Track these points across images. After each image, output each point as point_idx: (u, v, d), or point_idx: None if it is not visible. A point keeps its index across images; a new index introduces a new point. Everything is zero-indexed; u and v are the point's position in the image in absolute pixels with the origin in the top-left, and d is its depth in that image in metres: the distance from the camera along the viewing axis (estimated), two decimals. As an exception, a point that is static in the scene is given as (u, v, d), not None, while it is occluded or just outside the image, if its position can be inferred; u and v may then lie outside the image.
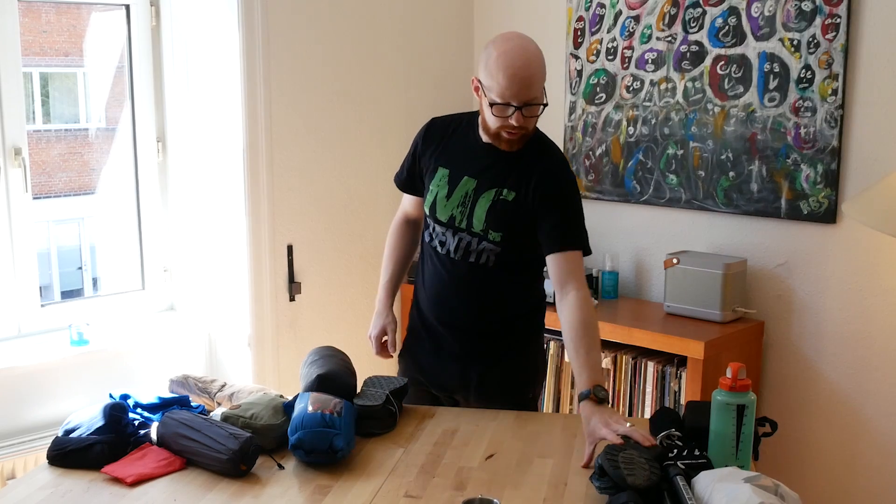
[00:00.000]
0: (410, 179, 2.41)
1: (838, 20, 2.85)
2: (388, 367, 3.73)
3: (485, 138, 2.24)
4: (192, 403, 2.18)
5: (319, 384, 2.08)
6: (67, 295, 3.63)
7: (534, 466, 1.94)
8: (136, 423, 2.06)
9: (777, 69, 3.00)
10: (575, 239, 2.19)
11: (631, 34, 3.34)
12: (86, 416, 2.01)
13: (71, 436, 1.97)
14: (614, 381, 3.13)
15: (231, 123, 3.18)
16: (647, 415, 3.02)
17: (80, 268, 3.88)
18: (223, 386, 2.31)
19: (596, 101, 3.47)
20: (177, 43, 3.26)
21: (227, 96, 3.18)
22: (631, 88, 3.37)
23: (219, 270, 3.34)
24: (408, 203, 2.49)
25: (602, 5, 3.41)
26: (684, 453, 1.86)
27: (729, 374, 1.86)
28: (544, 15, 3.57)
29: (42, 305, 3.07)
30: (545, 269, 2.28)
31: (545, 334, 2.47)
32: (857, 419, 2.99)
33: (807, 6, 2.91)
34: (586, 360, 2.07)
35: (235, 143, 3.18)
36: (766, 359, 3.17)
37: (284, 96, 3.25)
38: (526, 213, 2.20)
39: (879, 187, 2.66)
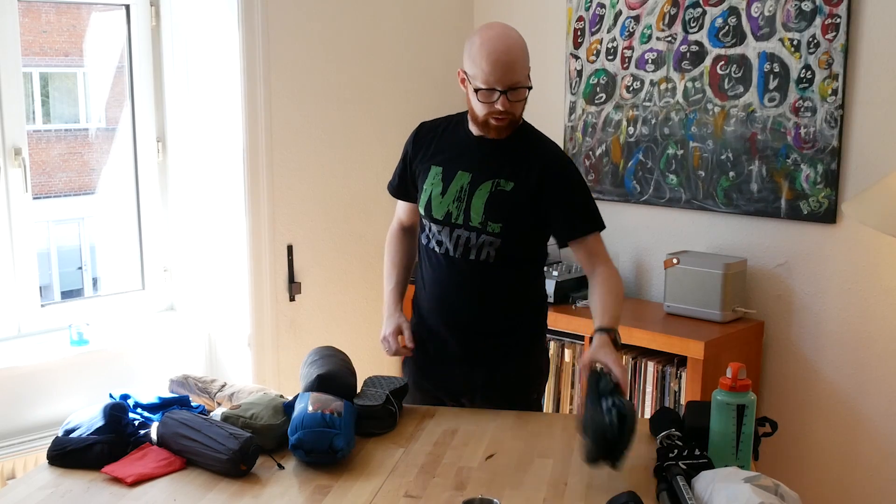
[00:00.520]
0: (403, 186, 2.41)
1: (838, 20, 2.85)
2: (388, 367, 3.74)
3: (475, 131, 2.26)
4: (192, 403, 2.18)
5: (319, 384, 2.08)
6: (67, 295, 3.63)
7: (534, 466, 1.94)
8: (136, 423, 2.06)
9: (777, 69, 3.00)
10: (593, 222, 2.25)
11: (631, 34, 3.35)
12: (86, 416, 2.01)
13: (71, 436, 1.97)
14: (614, 381, 3.13)
15: (231, 123, 3.18)
16: (647, 415, 3.02)
17: (80, 268, 3.88)
18: (223, 386, 2.31)
19: (596, 101, 3.47)
20: (177, 43, 3.26)
21: (227, 96, 3.18)
22: (631, 88, 3.37)
23: (219, 270, 3.34)
24: (402, 210, 2.49)
25: (602, 5, 3.41)
26: (684, 453, 1.86)
27: (729, 374, 1.86)
28: (544, 15, 3.57)
29: (42, 305, 3.07)
30: (545, 268, 2.29)
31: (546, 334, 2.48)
32: (857, 419, 3.00)
33: (807, 6, 2.91)
34: (611, 308, 2.13)
35: (235, 143, 3.18)
36: (766, 359, 3.17)
37: (284, 96, 3.25)
38: (526, 202, 2.20)
39: (879, 187, 2.66)
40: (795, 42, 2.95)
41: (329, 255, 3.48)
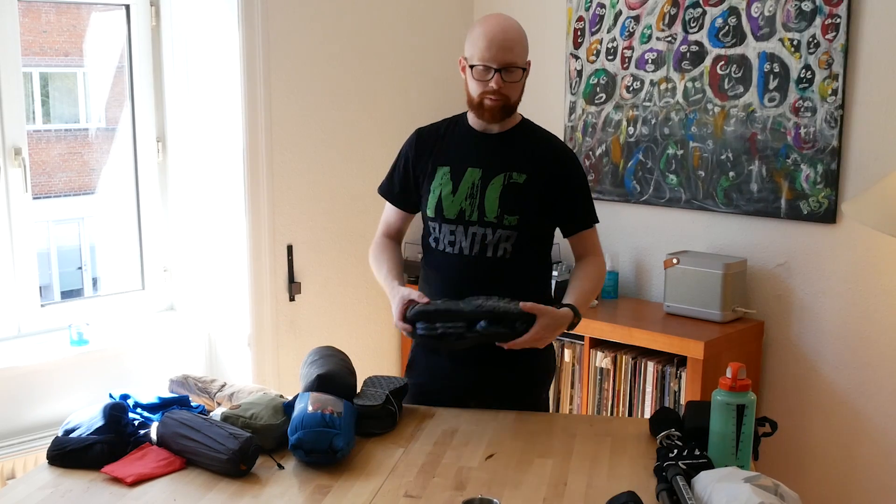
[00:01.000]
0: (404, 191, 2.37)
1: (838, 20, 2.85)
2: (388, 368, 3.74)
3: (477, 127, 2.27)
4: (192, 403, 2.18)
5: (319, 384, 2.08)
6: (67, 295, 3.63)
7: (534, 466, 1.94)
8: (136, 423, 2.06)
9: (777, 69, 3.00)
10: (590, 218, 2.32)
11: (631, 34, 3.35)
12: (86, 416, 2.01)
13: (71, 436, 1.97)
14: (614, 381, 3.13)
15: (231, 123, 3.18)
16: (647, 415, 3.02)
17: (80, 268, 3.88)
18: (223, 386, 2.31)
19: (596, 101, 3.47)
20: (177, 43, 3.26)
21: (227, 96, 3.18)
22: (631, 88, 3.37)
23: (219, 270, 3.34)
24: (392, 218, 2.43)
25: (602, 5, 3.41)
26: (684, 453, 1.86)
27: (729, 374, 1.86)
28: (544, 15, 3.57)
29: (42, 305, 3.07)
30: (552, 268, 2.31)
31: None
32: (857, 419, 3.00)
33: (807, 6, 2.91)
34: (582, 287, 2.25)
35: (235, 143, 3.18)
36: (766, 359, 3.17)
37: (284, 96, 3.25)
38: (539, 194, 2.22)
39: (879, 187, 2.66)
40: (795, 42, 2.95)
41: (329, 255, 3.48)
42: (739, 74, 3.09)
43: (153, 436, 2.01)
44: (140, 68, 3.26)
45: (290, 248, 3.35)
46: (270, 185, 3.24)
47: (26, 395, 2.89)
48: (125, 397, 2.12)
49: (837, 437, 3.04)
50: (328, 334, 3.48)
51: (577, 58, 3.51)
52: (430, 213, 2.29)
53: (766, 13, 3.00)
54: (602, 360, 3.14)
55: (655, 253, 3.39)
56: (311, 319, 3.44)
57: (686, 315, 3.10)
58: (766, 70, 3.03)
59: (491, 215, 2.21)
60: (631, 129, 3.38)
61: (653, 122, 3.32)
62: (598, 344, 3.16)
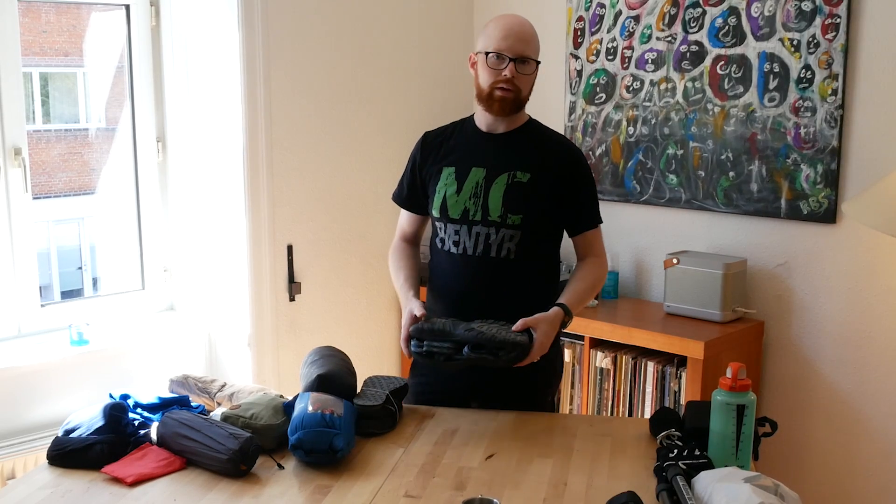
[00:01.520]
0: (412, 195, 2.39)
1: (838, 20, 2.85)
2: (388, 368, 3.74)
3: (484, 127, 2.27)
4: (192, 403, 2.18)
5: (319, 384, 2.08)
6: (67, 295, 3.64)
7: (534, 466, 1.94)
8: (136, 423, 2.06)
9: (777, 69, 3.00)
10: (595, 218, 2.33)
11: (631, 34, 3.35)
12: (86, 416, 2.01)
13: (71, 436, 1.97)
14: (614, 381, 3.13)
15: (231, 123, 3.18)
16: (647, 415, 3.02)
17: (80, 268, 3.88)
18: (223, 386, 2.31)
19: (596, 101, 3.47)
20: (177, 43, 3.26)
21: (227, 96, 3.18)
22: (631, 88, 3.37)
23: (219, 270, 3.34)
24: (406, 223, 2.45)
25: (602, 5, 3.41)
26: (684, 453, 1.86)
27: (729, 374, 1.86)
28: (544, 15, 3.57)
29: (42, 305, 3.07)
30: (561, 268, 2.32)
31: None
32: (857, 419, 3.00)
33: (807, 6, 2.91)
34: (576, 288, 2.25)
35: (235, 143, 3.18)
36: (766, 359, 3.17)
37: (284, 96, 3.25)
38: (544, 193, 2.22)
39: (879, 187, 2.66)
40: (795, 42, 2.95)
41: (329, 255, 3.48)
42: (739, 74, 3.09)
43: (153, 436, 2.01)
44: (140, 68, 3.26)
45: (290, 248, 3.35)
46: (270, 185, 3.24)
47: (26, 395, 2.89)
48: (125, 397, 2.12)
49: (837, 437, 3.04)
50: (328, 334, 3.48)
51: (577, 58, 3.51)
52: (435, 213, 2.30)
53: (766, 13, 3.00)
54: (602, 360, 3.14)
55: (655, 253, 3.39)
56: (311, 319, 3.44)
57: (686, 315, 3.10)
58: (766, 70, 3.03)
59: (494, 214, 2.22)
60: (631, 129, 3.38)
61: (653, 122, 3.32)
62: (598, 344, 3.16)
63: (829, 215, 2.95)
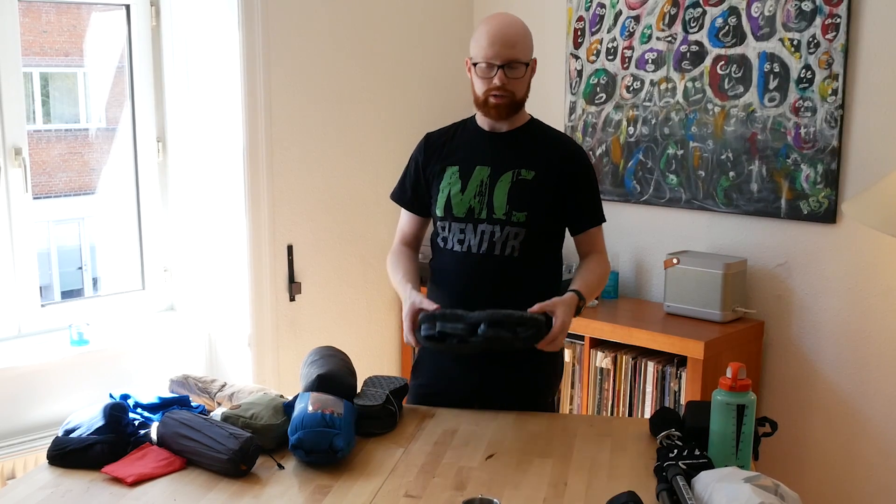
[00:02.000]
0: (416, 195, 2.37)
1: (838, 20, 2.85)
2: (388, 368, 3.74)
3: (486, 126, 2.28)
4: (192, 403, 2.18)
5: (319, 384, 2.08)
6: (67, 295, 3.64)
7: (534, 466, 1.94)
8: (136, 423, 2.06)
9: (777, 69, 3.00)
10: (598, 216, 2.33)
11: (631, 34, 3.35)
12: (86, 416, 2.01)
13: (71, 436, 1.97)
14: (614, 381, 3.13)
15: (231, 123, 3.18)
16: (647, 415, 3.02)
17: (80, 268, 3.88)
18: (223, 386, 2.31)
19: (596, 101, 3.47)
20: (177, 43, 3.26)
21: (227, 96, 3.18)
22: (631, 88, 3.37)
23: (219, 270, 3.34)
24: (407, 225, 2.43)
25: (602, 5, 3.41)
26: (684, 453, 1.86)
27: (729, 374, 1.86)
28: (544, 15, 3.57)
29: (42, 305, 3.07)
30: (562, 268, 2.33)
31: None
32: (857, 419, 3.00)
33: (807, 6, 2.91)
34: (586, 278, 2.24)
35: (235, 143, 3.18)
36: (766, 359, 3.17)
37: (284, 96, 3.25)
38: (548, 191, 2.23)
39: (879, 187, 2.66)
40: (795, 42, 2.95)
41: (329, 255, 3.48)
42: (739, 74, 3.08)
43: (153, 436, 2.01)
44: (140, 68, 3.26)
45: (290, 248, 3.35)
46: (270, 185, 3.24)
47: (26, 395, 2.89)
48: (125, 397, 2.12)
49: (837, 437, 3.04)
50: (328, 334, 3.48)
51: (577, 58, 3.51)
52: (439, 212, 2.29)
53: (766, 13, 3.00)
54: (602, 360, 3.14)
55: (655, 253, 3.39)
56: (311, 319, 3.44)
57: (686, 315, 3.10)
58: (766, 70, 3.03)
59: (499, 212, 2.22)
60: (631, 129, 3.38)
61: (653, 122, 3.32)
62: (598, 344, 3.16)
63: (829, 215, 2.95)
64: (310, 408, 1.95)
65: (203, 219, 3.35)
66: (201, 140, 3.29)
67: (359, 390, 2.22)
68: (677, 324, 3.06)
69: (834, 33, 2.86)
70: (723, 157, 3.15)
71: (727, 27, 3.10)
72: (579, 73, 3.51)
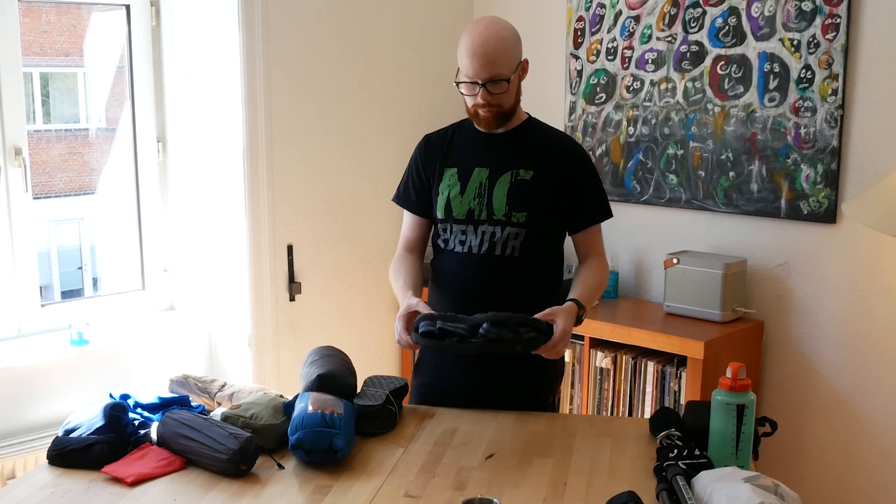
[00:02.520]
0: (419, 197, 2.36)
1: (838, 20, 2.85)
2: (388, 368, 3.74)
3: (483, 129, 2.28)
4: (192, 403, 2.18)
5: (319, 384, 2.08)
6: (67, 295, 3.64)
7: (534, 466, 1.94)
8: (136, 423, 2.06)
9: (777, 69, 3.00)
10: (600, 210, 2.33)
11: (631, 34, 3.35)
12: (86, 416, 2.01)
13: (71, 436, 1.97)
14: (614, 381, 3.13)
15: (231, 123, 3.18)
16: (647, 415, 3.02)
17: (81, 268, 3.88)
18: (223, 386, 2.31)
19: (596, 101, 3.47)
20: (177, 43, 3.26)
21: (227, 96, 3.18)
22: (631, 88, 3.37)
23: (219, 270, 3.34)
24: (409, 229, 2.41)
25: (602, 5, 3.41)
26: (684, 453, 1.86)
27: (729, 374, 1.86)
28: (544, 15, 3.57)
29: (42, 305, 3.07)
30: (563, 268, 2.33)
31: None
32: (857, 419, 3.00)
33: (807, 6, 2.91)
34: (585, 284, 2.24)
35: (235, 143, 3.18)
36: (766, 359, 3.17)
37: (284, 96, 3.25)
38: (547, 190, 2.23)
39: (879, 187, 2.66)
40: (795, 42, 2.95)
41: (329, 255, 3.48)
42: (739, 74, 3.09)
43: (153, 436, 2.02)
44: (140, 68, 3.26)
45: (290, 248, 3.35)
46: (270, 185, 3.24)
47: (26, 395, 2.89)
48: (125, 397, 2.12)
49: (837, 437, 3.04)
50: (328, 334, 3.48)
51: (577, 58, 3.51)
52: (439, 214, 2.29)
53: (766, 13, 3.00)
54: (602, 360, 3.14)
55: (655, 253, 3.39)
56: (311, 319, 3.44)
57: (686, 315, 3.10)
58: (766, 70, 3.03)
59: (499, 213, 2.22)
60: (631, 129, 3.38)
61: (653, 122, 3.32)
62: (598, 344, 3.16)
63: (829, 215, 2.95)
64: (310, 408, 1.95)
65: (203, 219, 3.35)
66: (201, 140, 3.29)
67: (359, 390, 2.22)
68: (677, 324, 3.06)
69: (834, 33, 2.86)
70: (723, 157, 3.15)
71: (727, 27, 3.10)
72: (579, 73, 3.51)
